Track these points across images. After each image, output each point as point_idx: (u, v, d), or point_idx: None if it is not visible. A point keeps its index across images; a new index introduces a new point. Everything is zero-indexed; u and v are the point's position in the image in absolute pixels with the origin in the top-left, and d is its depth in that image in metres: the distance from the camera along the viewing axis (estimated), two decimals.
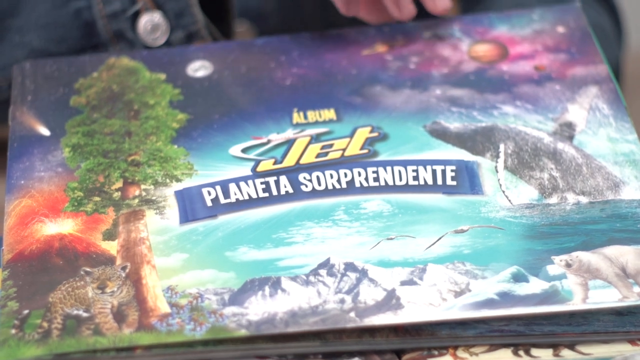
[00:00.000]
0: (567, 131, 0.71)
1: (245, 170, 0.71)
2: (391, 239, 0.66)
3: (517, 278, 0.63)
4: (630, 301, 0.62)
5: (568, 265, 0.63)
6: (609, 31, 0.90)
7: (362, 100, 0.74)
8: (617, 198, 0.67)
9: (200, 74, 0.77)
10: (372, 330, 0.63)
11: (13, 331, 0.64)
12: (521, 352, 0.63)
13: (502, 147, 0.70)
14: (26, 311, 0.65)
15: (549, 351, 0.63)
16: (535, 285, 0.63)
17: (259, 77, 0.76)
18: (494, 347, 0.64)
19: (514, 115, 0.72)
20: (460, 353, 0.63)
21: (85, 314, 0.65)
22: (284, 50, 0.78)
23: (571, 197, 0.67)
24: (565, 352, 0.63)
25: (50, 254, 0.68)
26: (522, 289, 0.63)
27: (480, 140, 0.71)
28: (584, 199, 0.67)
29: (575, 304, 0.62)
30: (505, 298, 0.63)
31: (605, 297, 0.62)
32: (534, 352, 0.63)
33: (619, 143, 0.70)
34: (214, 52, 0.78)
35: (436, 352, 0.64)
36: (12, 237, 0.69)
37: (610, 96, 0.73)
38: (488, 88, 0.74)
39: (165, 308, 0.65)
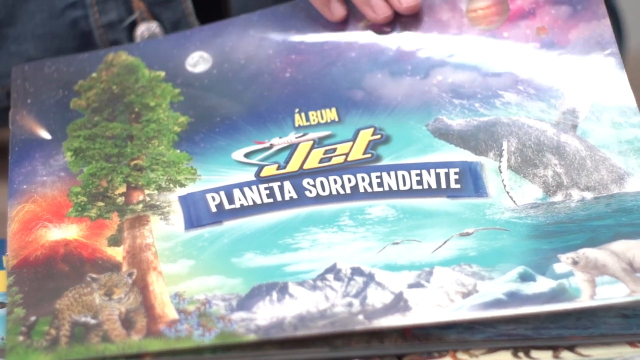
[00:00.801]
0: (570, 119, 0.71)
1: (249, 175, 0.73)
2: (397, 243, 0.69)
3: (524, 277, 0.66)
4: (638, 296, 0.64)
5: (575, 263, 0.65)
6: None
7: (363, 95, 0.75)
8: (622, 191, 0.69)
9: (199, 69, 0.79)
10: (381, 336, 0.66)
11: (21, 338, 0.66)
12: (521, 354, 0.65)
13: (505, 144, 0.72)
14: (33, 318, 0.67)
15: (549, 353, 0.65)
16: (542, 284, 0.65)
17: (259, 71, 0.77)
18: (493, 348, 0.65)
19: (517, 105, 0.73)
20: (460, 355, 0.65)
21: (93, 321, 0.67)
22: (280, 29, 0.78)
23: (576, 194, 0.70)
24: (565, 354, 0.65)
25: (56, 259, 0.70)
26: (529, 288, 0.65)
27: (483, 139, 0.72)
28: (588, 195, 0.69)
29: (583, 301, 0.64)
30: (513, 298, 0.65)
31: (613, 293, 0.64)
32: (534, 353, 0.65)
33: (623, 128, 0.71)
34: (211, 39, 0.79)
35: (436, 354, 0.66)
36: (16, 242, 0.71)
37: (613, 64, 0.73)
38: (490, 69, 0.74)
39: (173, 314, 0.67)
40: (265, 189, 0.72)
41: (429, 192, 0.71)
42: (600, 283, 0.65)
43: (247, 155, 0.74)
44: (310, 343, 0.65)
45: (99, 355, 0.65)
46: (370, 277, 0.67)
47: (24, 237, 0.71)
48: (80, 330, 0.66)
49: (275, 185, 0.72)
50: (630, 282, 0.64)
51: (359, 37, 0.78)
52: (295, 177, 0.73)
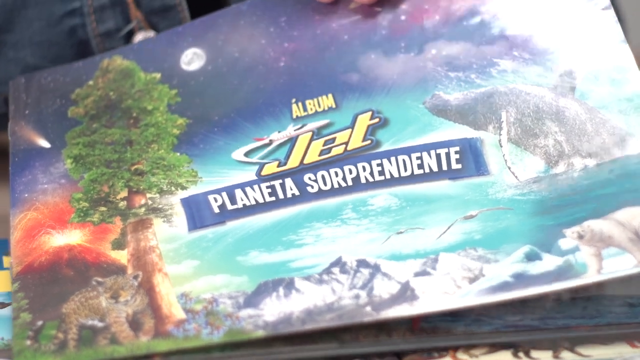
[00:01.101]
0: (568, 81, 0.71)
1: (250, 174, 0.74)
2: (401, 232, 0.69)
3: (530, 257, 0.66)
4: None
5: (580, 237, 0.65)
6: None
7: (359, 78, 0.76)
8: (625, 155, 0.68)
9: (194, 66, 0.79)
10: (389, 330, 0.66)
11: (28, 342, 0.67)
12: (521, 354, 0.65)
13: (504, 115, 0.71)
14: (40, 322, 0.68)
15: (549, 353, 0.65)
16: (548, 262, 0.65)
17: (253, 62, 0.78)
18: (494, 348, 0.66)
19: (513, 72, 0.73)
20: (461, 355, 0.66)
21: (100, 324, 0.68)
22: (271, 17, 0.79)
23: (578, 162, 0.69)
24: (565, 354, 0.65)
25: (60, 265, 0.71)
26: (535, 268, 0.65)
27: (481, 112, 0.72)
28: (591, 162, 0.69)
29: (590, 277, 0.64)
30: (520, 279, 0.65)
31: (620, 265, 0.64)
32: (534, 354, 0.65)
33: (622, 86, 0.71)
34: (203, 34, 0.79)
35: (436, 354, 0.66)
36: (20, 250, 0.72)
37: (608, 19, 0.73)
38: (484, 37, 0.74)
39: (180, 314, 0.68)
40: (267, 187, 0.73)
41: (430, 176, 0.71)
42: (607, 256, 0.65)
43: (247, 154, 0.75)
44: (318, 339, 0.66)
45: (107, 357, 0.66)
46: (376, 268, 0.68)
47: (27, 244, 0.72)
48: (88, 333, 0.67)
49: (276, 183, 0.73)
50: (637, 252, 0.64)
51: (350, 18, 0.78)
52: (296, 173, 0.73)
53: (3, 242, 0.75)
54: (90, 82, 0.80)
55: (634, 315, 0.66)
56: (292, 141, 0.75)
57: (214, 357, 0.66)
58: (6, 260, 0.76)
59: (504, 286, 0.66)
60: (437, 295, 0.66)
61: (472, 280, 0.66)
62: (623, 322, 0.66)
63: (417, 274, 0.67)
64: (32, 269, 0.71)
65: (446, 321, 0.67)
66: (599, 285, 0.68)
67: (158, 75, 0.79)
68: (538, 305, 0.66)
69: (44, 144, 0.78)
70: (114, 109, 0.79)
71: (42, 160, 0.77)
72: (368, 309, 0.66)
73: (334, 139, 0.74)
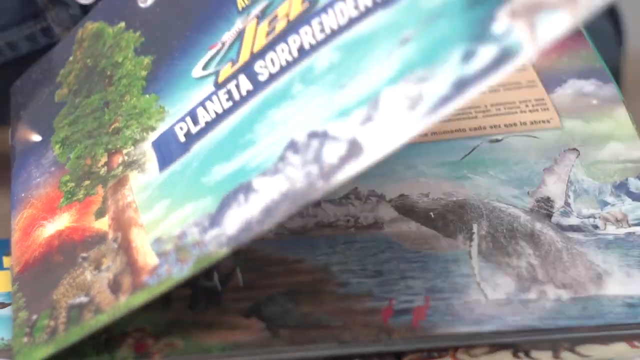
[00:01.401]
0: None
1: (209, 87, 0.68)
2: (344, 85, 0.60)
3: (465, 57, 0.55)
4: (579, 17, 0.53)
5: (513, 14, 0.54)
6: (609, 34, 0.89)
7: None
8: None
9: (150, 1, 0.74)
10: (389, 330, 0.64)
11: (25, 339, 0.65)
12: (521, 354, 0.65)
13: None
14: (35, 316, 0.66)
15: (549, 353, 0.64)
16: (484, 56, 0.55)
17: None
18: (494, 348, 0.65)
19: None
20: (461, 355, 0.64)
21: (86, 299, 0.65)
22: None
23: None
24: (566, 355, 0.64)
25: (52, 253, 0.69)
26: (471, 67, 0.55)
27: None
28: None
29: (527, 52, 0.54)
30: (459, 86, 0.55)
31: (554, 26, 0.54)
32: (534, 354, 0.64)
33: None
34: None
35: (436, 354, 0.64)
36: (18, 250, 0.70)
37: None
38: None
39: (154, 260, 0.63)
40: (224, 93, 0.67)
41: (366, 13, 0.62)
42: (541, 21, 0.53)
43: (205, 67, 0.69)
44: (318, 339, 0.63)
45: (92, 330, 0.63)
46: (324, 135, 0.60)
47: (24, 243, 0.71)
48: (75, 312, 0.65)
49: (232, 85, 0.67)
50: (569, 5, 0.52)
51: None
52: (248, 67, 0.66)
53: (3, 242, 0.74)
54: (71, 58, 0.78)
55: (634, 316, 0.65)
56: (240, 35, 0.68)
57: (212, 356, 0.63)
58: (6, 261, 0.74)
59: (444, 100, 0.55)
60: (381, 138, 0.57)
61: (412, 107, 0.56)
62: (623, 322, 0.65)
63: (362, 123, 0.58)
64: (28, 265, 0.69)
65: (446, 321, 0.64)
66: (599, 285, 0.66)
67: (123, 24, 0.75)
68: (538, 306, 0.65)
69: (37, 138, 0.76)
70: (92, 75, 0.75)
71: (35, 155, 0.75)
72: (320, 183, 0.58)
73: (276, 16, 0.66)
